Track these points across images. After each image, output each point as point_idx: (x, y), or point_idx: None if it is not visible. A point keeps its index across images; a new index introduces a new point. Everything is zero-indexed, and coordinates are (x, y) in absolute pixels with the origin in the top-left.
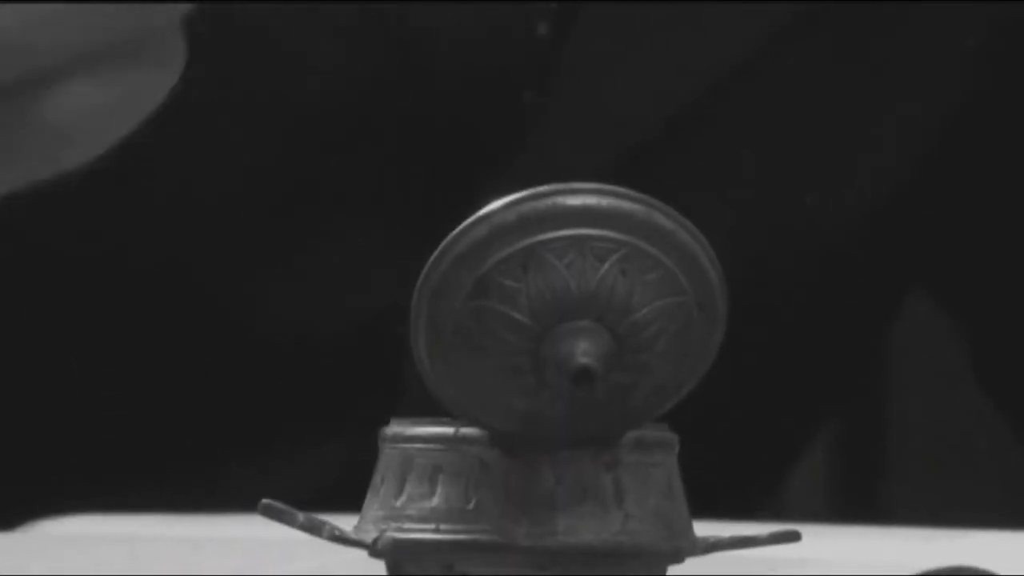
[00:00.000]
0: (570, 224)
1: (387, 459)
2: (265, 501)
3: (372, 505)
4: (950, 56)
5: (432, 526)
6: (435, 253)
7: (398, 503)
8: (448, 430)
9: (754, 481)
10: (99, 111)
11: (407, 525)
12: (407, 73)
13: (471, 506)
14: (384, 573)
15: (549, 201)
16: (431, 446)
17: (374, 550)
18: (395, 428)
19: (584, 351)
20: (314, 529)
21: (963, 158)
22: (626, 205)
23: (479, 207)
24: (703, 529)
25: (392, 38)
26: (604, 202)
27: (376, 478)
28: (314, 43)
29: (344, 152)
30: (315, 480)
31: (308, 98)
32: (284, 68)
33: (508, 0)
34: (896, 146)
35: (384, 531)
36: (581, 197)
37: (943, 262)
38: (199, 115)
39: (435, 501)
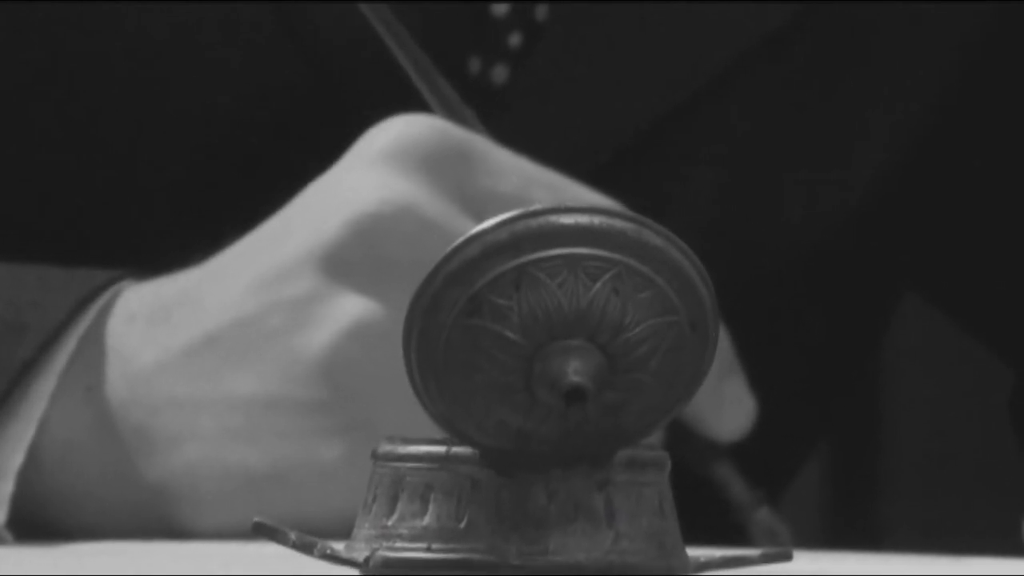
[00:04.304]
0: (562, 243)
1: (378, 477)
2: (257, 520)
3: (363, 524)
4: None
5: (423, 545)
6: (428, 271)
7: (389, 522)
8: (440, 449)
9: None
10: None
11: (398, 544)
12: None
13: (462, 525)
14: None
15: (541, 220)
16: (423, 465)
17: (365, 568)
18: (386, 447)
19: (576, 370)
20: (306, 548)
21: (951, 158)
22: (618, 224)
23: None
24: (695, 551)
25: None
26: (596, 221)
27: (367, 496)
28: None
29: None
30: None
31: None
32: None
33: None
34: (880, 149)
35: (375, 550)
36: (573, 216)
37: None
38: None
39: (427, 520)
